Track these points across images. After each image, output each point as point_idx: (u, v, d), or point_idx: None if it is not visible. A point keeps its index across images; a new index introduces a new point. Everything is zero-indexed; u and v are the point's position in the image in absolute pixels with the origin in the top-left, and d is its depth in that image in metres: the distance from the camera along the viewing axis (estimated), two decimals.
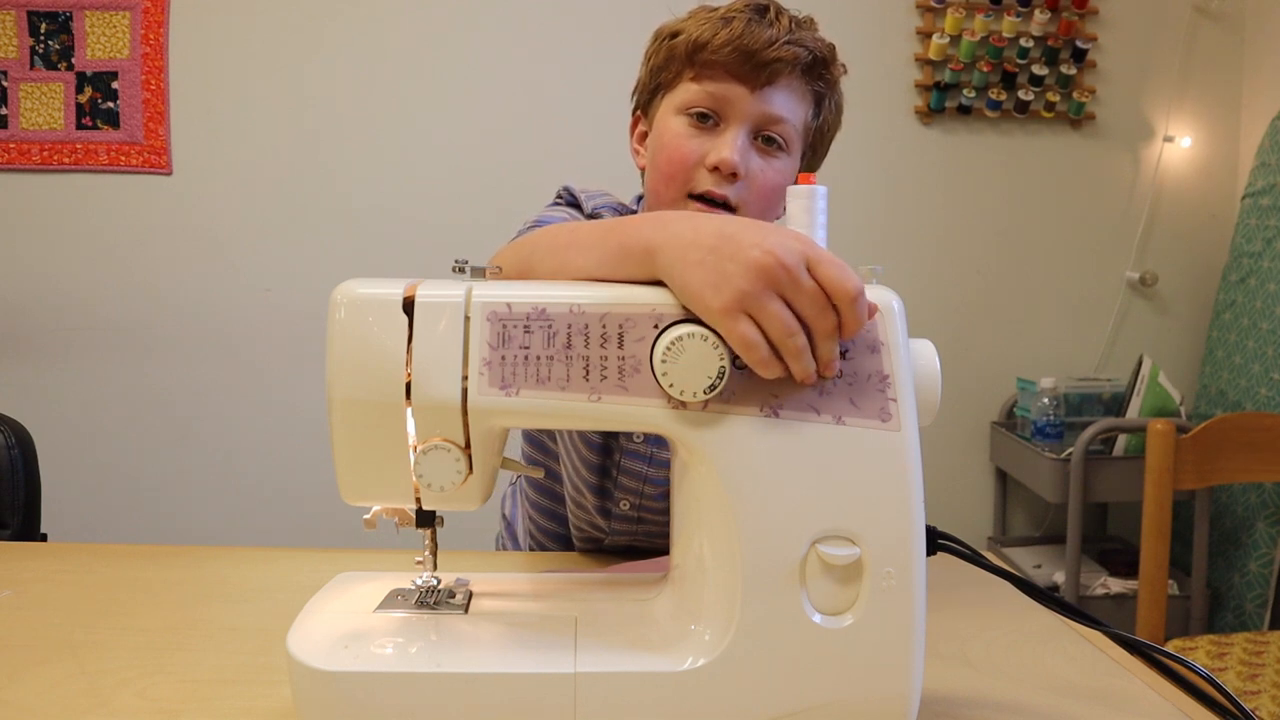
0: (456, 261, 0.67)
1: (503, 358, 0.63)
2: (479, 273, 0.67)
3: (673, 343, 0.61)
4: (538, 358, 0.63)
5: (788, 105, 0.96)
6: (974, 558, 0.69)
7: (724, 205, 0.93)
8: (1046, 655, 0.81)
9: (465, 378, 0.63)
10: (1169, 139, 2.52)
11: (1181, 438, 1.66)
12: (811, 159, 1.03)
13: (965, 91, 2.45)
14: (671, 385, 0.61)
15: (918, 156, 2.50)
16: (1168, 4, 2.50)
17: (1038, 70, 2.44)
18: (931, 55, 2.43)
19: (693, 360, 0.60)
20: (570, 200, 1.10)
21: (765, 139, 0.96)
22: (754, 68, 0.93)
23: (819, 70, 0.97)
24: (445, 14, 2.41)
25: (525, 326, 0.63)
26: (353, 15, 2.40)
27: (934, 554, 0.66)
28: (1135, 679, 0.77)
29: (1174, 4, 2.50)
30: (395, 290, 0.64)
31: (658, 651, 0.64)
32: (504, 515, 1.29)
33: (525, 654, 0.65)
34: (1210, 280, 2.52)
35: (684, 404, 0.62)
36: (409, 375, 0.63)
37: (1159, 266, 2.54)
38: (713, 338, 0.61)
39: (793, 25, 0.97)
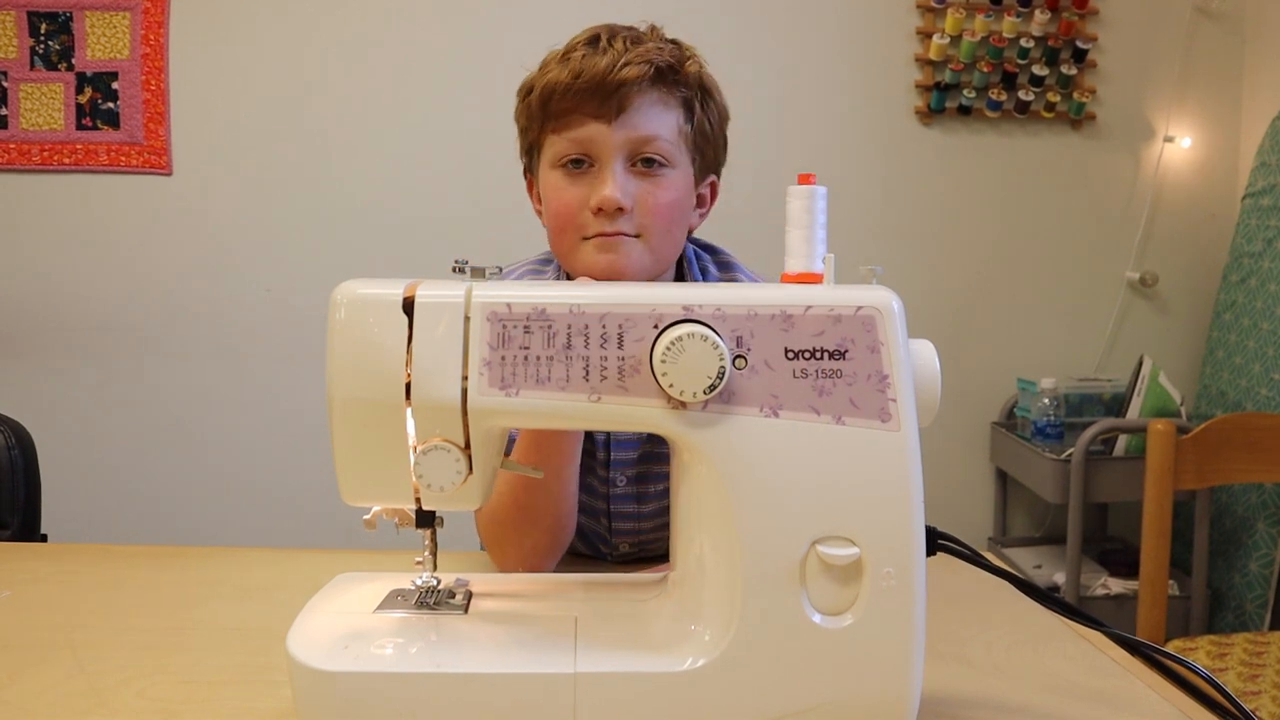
0: (456, 261, 0.67)
1: (503, 358, 0.63)
2: (479, 273, 0.67)
3: (672, 343, 0.61)
4: (538, 358, 0.63)
5: (651, 122, 0.94)
6: (974, 558, 0.69)
7: (620, 235, 0.94)
8: (1046, 655, 0.81)
9: (465, 378, 0.63)
10: (1169, 139, 2.51)
11: (1182, 438, 1.66)
12: (708, 159, 1.02)
13: (965, 92, 2.45)
14: (671, 385, 0.61)
15: (918, 157, 2.50)
16: (1168, 4, 2.50)
17: (1038, 70, 2.44)
18: (932, 55, 2.43)
19: (692, 360, 0.61)
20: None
21: (644, 161, 0.95)
22: (602, 100, 0.93)
23: (670, 78, 0.96)
24: (445, 13, 2.41)
25: (525, 327, 0.63)
26: (353, 15, 2.40)
27: (934, 554, 0.66)
28: (1135, 679, 0.77)
29: (1174, 4, 2.50)
30: (395, 290, 0.64)
31: (658, 652, 0.64)
32: None
33: (525, 654, 0.65)
34: (1211, 280, 2.52)
35: (684, 404, 0.62)
36: (409, 375, 0.63)
37: (1159, 266, 2.54)
38: (713, 337, 0.61)
39: (627, 44, 0.95)
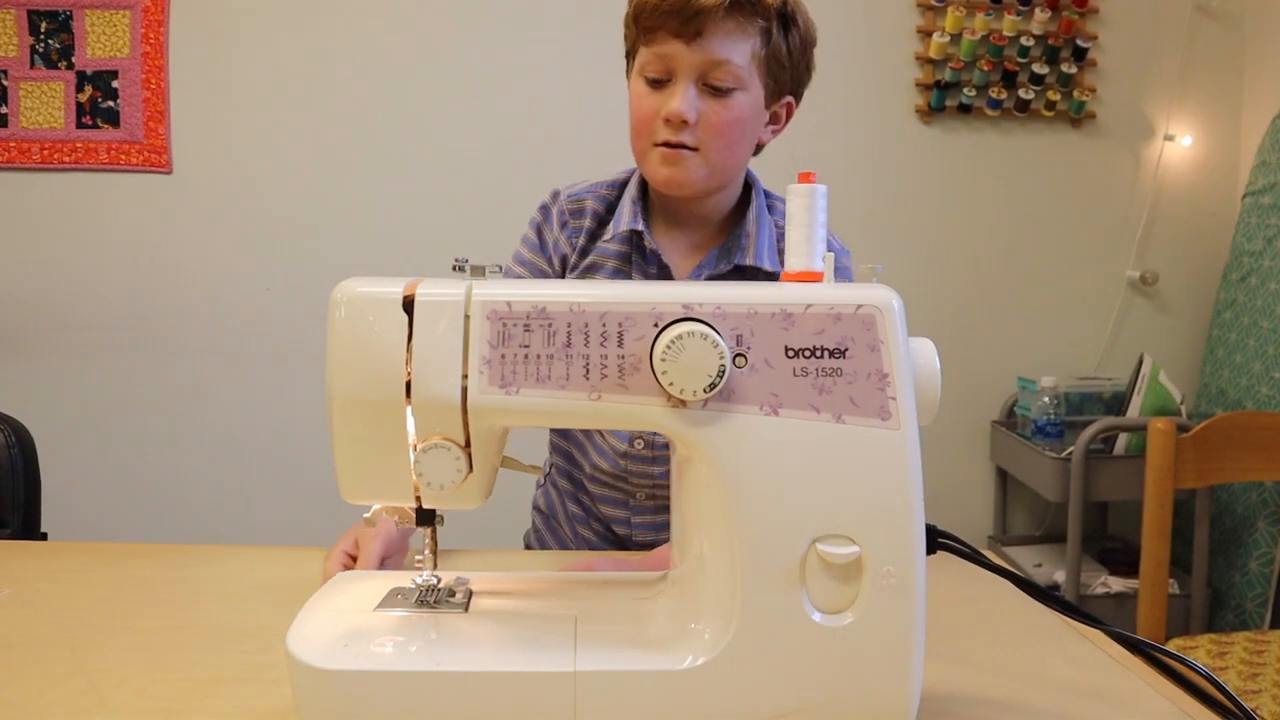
0: (456, 260, 0.67)
1: (503, 356, 0.63)
2: (479, 271, 0.67)
3: (672, 341, 0.61)
4: (538, 356, 0.63)
5: (725, 47, 1.01)
6: (974, 557, 0.69)
7: (682, 147, 1.03)
8: (1046, 655, 0.81)
9: (465, 376, 0.63)
10: (1170, 138, 2.51)
11: (1182, 437, 1.66)
12: (781, 83, 1.08)
13: (966, 90, 2.45)
14: (671, 384, 0.61)
15: (918, 155, 2.50)
16: (1168, 3, 2.50)
17: (1038, 69, 2.43)
18: (932, 54, 2.43)
19: (693, 359, 0.61)
20: (543, 210, 1.19)
21: (714, 80, 1.01)
22: (683, 22, 0.99)
23: (750, 6, 1.01)
24: (445, 13, 2.41)
25: (525, 325, 0.63)
26: (353, 14, 2.40)
27: (934, 553, 0.66)
28: (1135, 678, 0.77)
29: (1175, 3, 2.50)
30: (395, 289, 0.64)
31: (658, 650, 0.64)
32: (539, 509, 1.31)
33: (525, 653, 0.65)
34: (1211, 279, 2.52)
35: (684, 402, 0.62)
36: (409, 374, 0.63)
37: (1159, 265, 2.54)
38: (713, 336, 0.61)
39: None
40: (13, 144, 2.37)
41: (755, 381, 0.62)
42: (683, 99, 1.01)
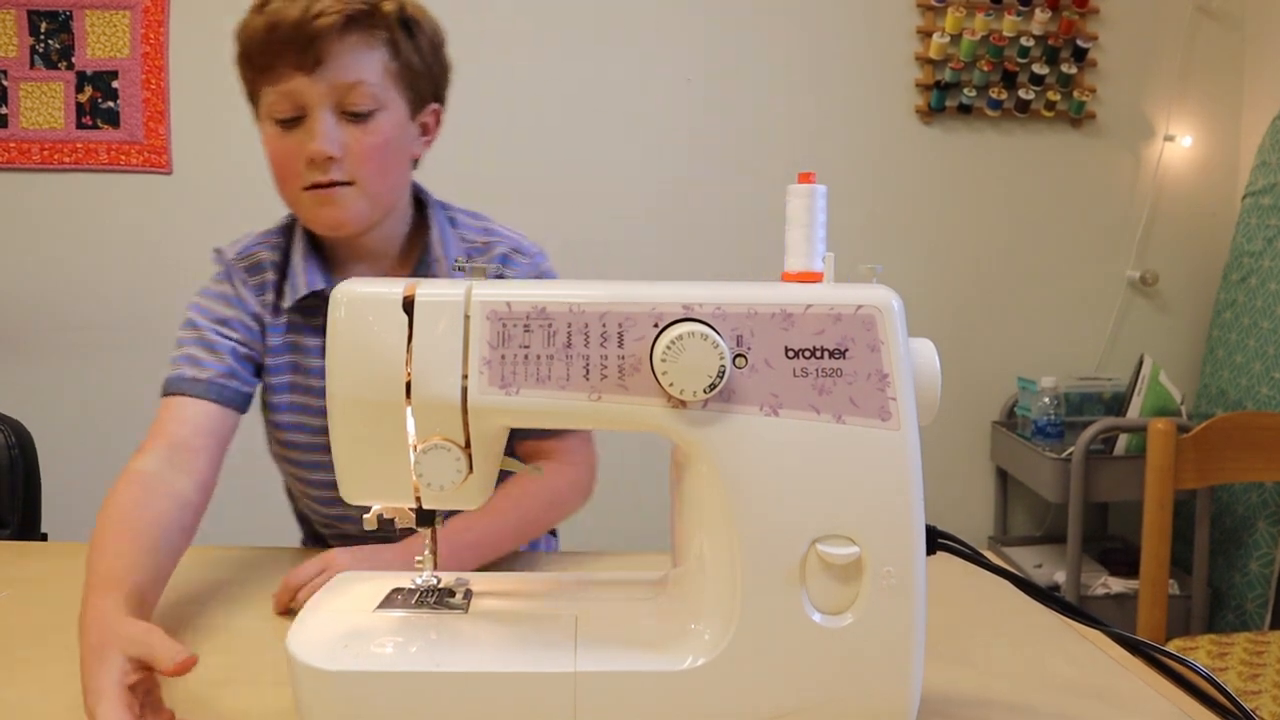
0: (456, 260, 0.67)
1: (502, 357, 0.63)
2: (479, 271, 0.67)
3: (672, 342, 0.61)
4: (538, 357, 0.63)
5: (354, 68, 0.94)
6: (974, 557, 0.69)
7: (335, 185, 0.95)
8: (1046, 655, 0.81)
9: (465, 377, 0.63)
10: (1170, 138, 2.51)
11: (1182, 437, 1.66)
12: (422, 91, 1.02)
13: (966, 90, 2.45)
14: (671, 384, 0.61)
15: (918, 156, 2.50)
16: (1169, 3, 2.50)
17: (1038, 69, 2.43)
18: (932, 54, 2.43)
19: (693, 359, 0.60)
20: (221, 264, 1.09)
21: (351, 104, 0.94)
22: (301, 51, 0.92)
23: (367, 21, 0.94)
24: (445, 13, 2.41)
25: (525, 325, 0.63)
26: None
27: (934, 553, 0.66)
28: (1135, 679, 0.77)
29: (1175, 3, 2.50)
30: (395, 289, 0.64)
31: (658, 651, 0.64)
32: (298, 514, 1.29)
33: (525, 653, 0.65)
34: (1211, 279, 2.52)
35: (684, 403, 0.62)
36: (409, 374, 0.63)
37: (1159, 266, 2.54)
38: (713, 336, 0.61)
39: None
40: (13, 144, 2.37)
41: (755, 382, 0.62)
42: (322, 135, 0.93)
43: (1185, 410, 2.25)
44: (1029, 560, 2.42)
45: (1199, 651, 1.65)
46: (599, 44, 2.43)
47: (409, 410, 0.64)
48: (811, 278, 0.69)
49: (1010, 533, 2.59)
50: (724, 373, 0.61)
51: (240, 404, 1.01)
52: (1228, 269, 2.39)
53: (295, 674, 0.63)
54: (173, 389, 1.00)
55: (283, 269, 1.04)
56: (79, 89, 2.37)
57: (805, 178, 0.71)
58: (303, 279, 1.02)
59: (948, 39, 2.41)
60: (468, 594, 0.73)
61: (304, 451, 1.09)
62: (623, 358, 0.63)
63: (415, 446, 0.65)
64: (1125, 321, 2.58)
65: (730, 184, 2.46)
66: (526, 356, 0.63)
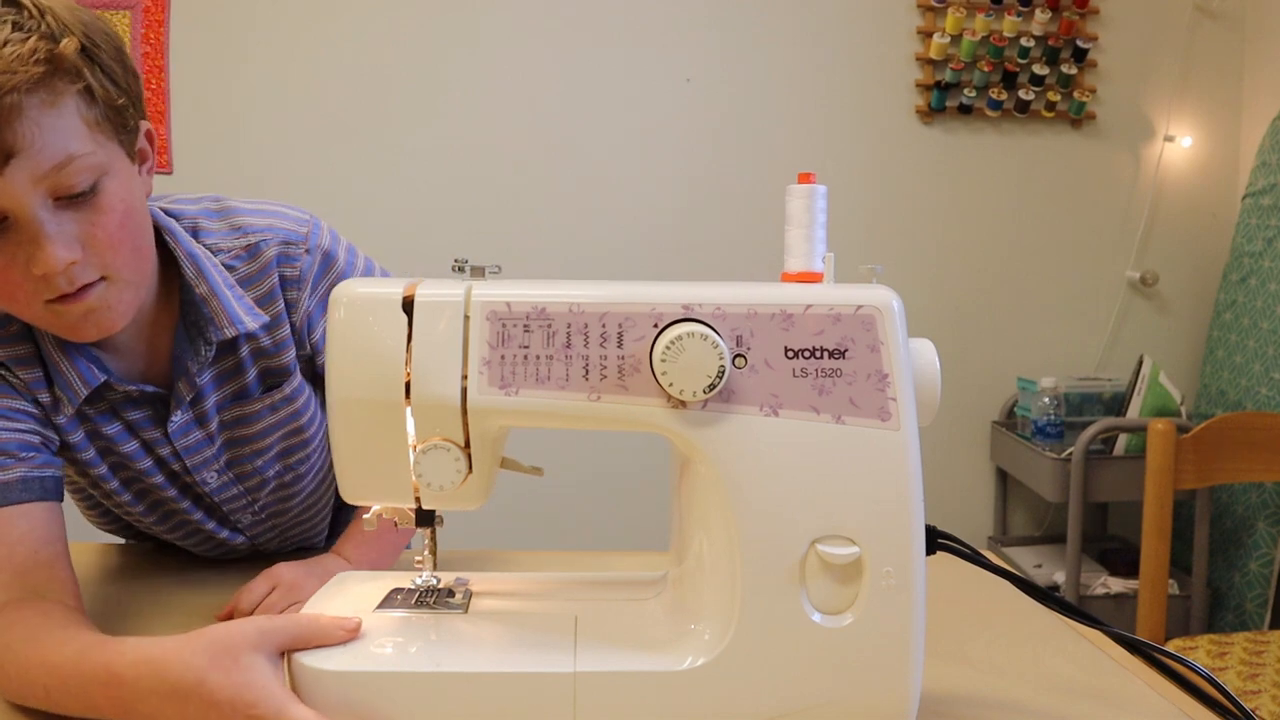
0: (456, 260, 0.67)
1: (502, 357, 0.63)
2: (478, 271, 0.67)
3: (672, 342, 0.61)
4: (537, 357, 0.63)
5: (54, 143, 0.70)
6: (974, 557, 0.69)
7: (86, 289, 0.75)
8: (1046, 655, 0.81)
9: (465, 377, 0.63)
10: (1170, 138, 2.51)
11: (1182, 437, 1.66)
12: (129, 121, 0.78)
13: (966, 91, 2.45)
14: (671, 385, 0.61)
15: (918, 156, 2.50)
16: (1169, 3, 2.50)
17: (1038, 70, 2.43)
18: (932, 54, 2.43)
19: (692, 359, 0.60)
20: None
21: (64, 188, 0.72)
22: None
23: (51, 80, 0.70)
24: (446, 13, 2.41)
25: (525, 326, 0.63)
26: (353, 14, 2.40)
27: (934, 553, 0.66)
28: (1135, 679, 0.77)
29: (1175, 3, 2.50)
30: (395, 290, 0.64)
31: (658, 651, 0.64)
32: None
33: (525, 654, 0.65)
34: (1211, 280, 2.52)
35: (684, 403, 0.62)
36: (409, 374, 0.63)
37: (1159, 266, 2.54)
38: (712, 336, 0.61)
39: None
40: None
41: (755, 382, 0.62)
42: (50, 242, 0.71)
43: (1185, 410, 2.25)
44: (1029, 560, 2.42)
45: (1199, 651, 1.65)
46: (599, 44, 2.43)
47: (408, 410, 0.64)
48: (811, 278, 0.69)
49: (1010, 533, 2.59)
50: (724, 373, 0.61)
51: (61, 492, 0.83)
52: (1228, 269, 2.39)
53: (294, 674, 0.63)
54: None
55: (35, 362, 0.83)
56: None
57: (805, 178, 0.71)
58: (74, 379, 0.82)
59: (948, 39, 2.41)
60: (467, 594, 0.73)
61: (167, 521, 1.00)
62: (622, 358, 0.63)
63: (415, 447, 0.65)
64: (1125, 321, 2.58)
65: (730, 184, 2.46)
66: (526, 357, 0.63)
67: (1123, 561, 2.32)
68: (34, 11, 0.71)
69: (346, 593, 0.74)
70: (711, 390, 0.61)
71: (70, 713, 0.67)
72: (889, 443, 0.62)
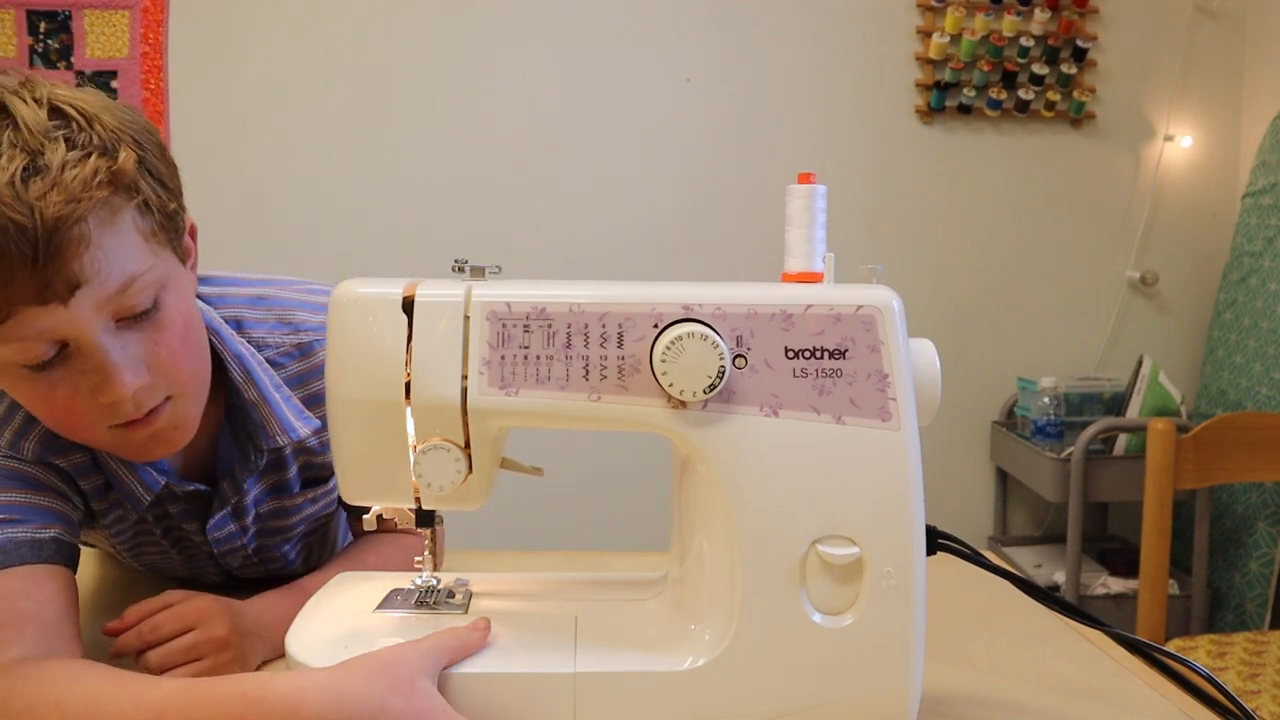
0: (456, 261, 0.67)
1: (502, 357, 0.63)
2: (478, 272, 0.67)
3: (672, 342, 0.61)
4: (537, 357, 0.63)
5: (118, 267, 0.67)
6: (974, 558, 0.69)
7: (153, 412, 0.73)
8: (1046, 655, 0.81)
9: (465, 377, 0.63)
10: (1169, 138, 2.51)
11: (1182, 437, 1.66)
12: (178, 223, 0.76)
13: (966, 90, 2.45)
14: (671, 385, 0.61)
15: (918, 156, 2.50)
16: (1169, 3, 2.50)
17: (1038, 69, 2.43)
18: (932, 54, 2.43)
19: (692, 360, 0.60)
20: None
21: (130, 314, 0.69)
22: (41, 287, 0.64)
23: (116, 193, 0.67)
24: (446, 13, 2.41)
25: (525, 326, 0.63)
26: (353, 14, 2.40)
27: (934, 554, 0.66)
28: (1135, 679, 0.77)
29: (1175, 3, 2.50)
30: (395, 290, 0.64)
31: (657, 651, 0.64)
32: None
33: (525, 654, 0.65)
34: (1211, 280, 2.52)
35: (684, 403, 0.62)
36: (408, 375, 0.63)
37: (1159, 266, 2.54)
38: (712, 337, 0.61)
39: (21, 179, 0.62)
40: None
41: (755, 382, 0.62)
42: (117, 370, 0.68)
43: (1185, 410, 2.25)
44: (1029, 560, 2.42)
45: (1198, 651, 1.65)
46: (599, 44, 2.43)
47: (408, 411, 0.64)
48: (811, 278, 0.69)
49: (1010, 533, 2.59)
50: (724, 373, 0.61)
51: (77, 564, 0.79)
52: (1228, 269, 2.39)
53: None
54: (5, 560, 0.72)
55: (92, 469, 0.81)
56: (78, 89, 2.37)
57: (805, 178, 0.71)
58: (137, 486, 0.80)
59: (948, 39, 2.41)
60: (467, 594, 0.73)
61: (153, 563, 0.97)
62: (622, 358, 0.63)
63: (415, 447, 0.64)
64: (1125, 321, 2.58)
65: (730, 184, 2.46)
66: (526, 357, 0.63)
67: (1123, 561, 2.32)
68: (82, 123, 0.67)
69: (347, 593, 0.74)
70: (712, 390, 0.61)
71: None
72: (889, 443, 0.62)
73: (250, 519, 0.90)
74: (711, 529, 0.65)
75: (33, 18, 2.35)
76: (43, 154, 0.63)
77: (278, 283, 0.92)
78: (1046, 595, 0.71)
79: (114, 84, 2.37)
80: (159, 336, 0.71)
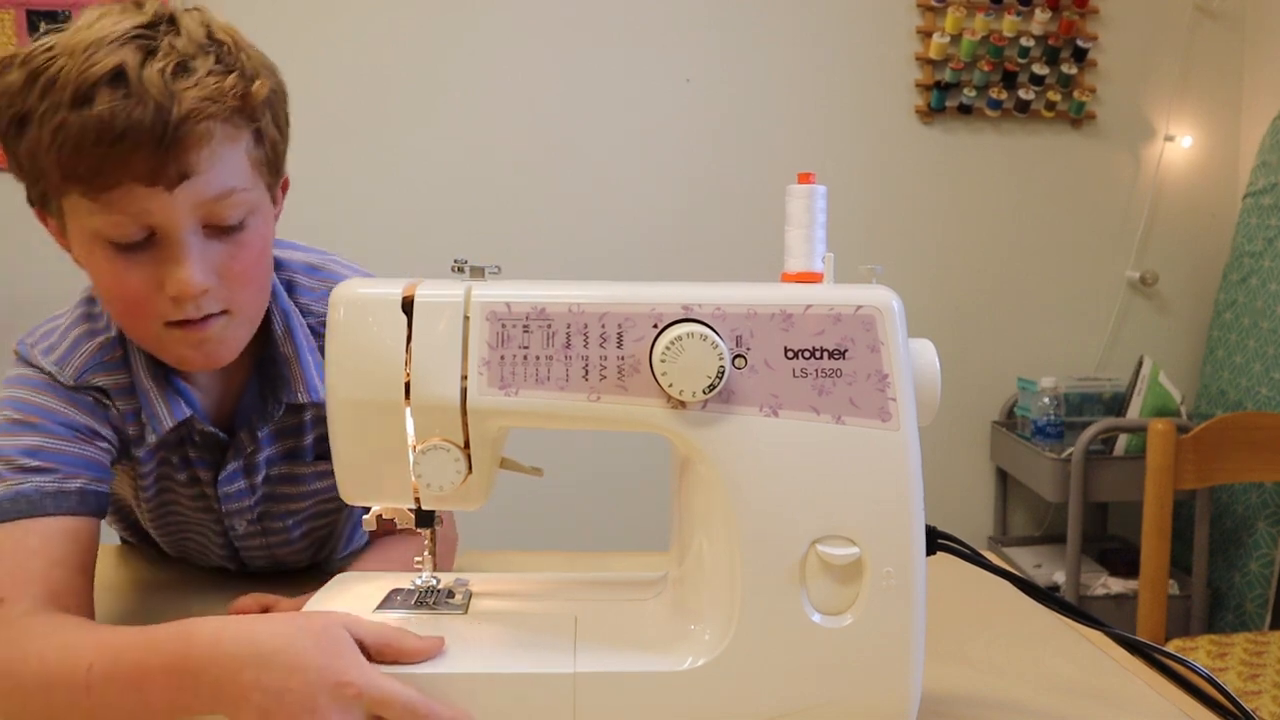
0: (456, 261, 0.67)
1: (501, 357, 0.63)
2: (478, 272, 0.67)
3: (671, 342, 0.61)
4: (537, 357, 0.63)
5: (224, 174, 0.74)
6: (974, 558, 0.69)
7: (208, 319, 0.77)
8: (1046, 655, 0.81)
9: (464, 378, 0.63)
10: (1170, 138, 2.51)
11: (1182, 437, 1.66)
12: (279, 168, 0.84)
13: (966, 91, 2.45)
14: (671, 385, 0.61)
15: (918, 156, 2.50)
16: (1169, 3, 2.50)
17: (1038, 69, 2.43)
18: (932, 54, 2.43)
19: (692, 360, 0.60)
20: (38, 373, 0.83)
21: (216, 217, 0.75)
22: (155, 166, 0.70)
23: (239, 116, 0.75)
24: (446, 13, 2.41)
25: (524, 326, 0.63)
26: (352, 14, 2.40)
27: (934, 554, 0.66)
28: (1135, 679, 0.77)
29: (1175, 3, 2.50)
30: (394, 290, 0.64)
31: (657, 651, 0.64)
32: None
33: (525, 654, 0.65)
34: (1211, 280, 2.52)
35: (683, 404, 0.62)
36: (408, 375, 0.63)
37: (1159, 266, 2.54)
38: (712, 337, 0.60)
39: (171, 76, 0.70)
40: None
41: (755, 382, 0.62)
42: (192, 265, 0.73)
43: (1185, 410, 2.25)
44: (1029, 560, 2.42)
45: (1199, 651, 1.65)
46: (599, 44, 2.43)
47: (408, 411, 0.64)
48: (811, 278, 0.69)
49: (1010, 533, 2.59)
50: (723, 373, 0.61)
51: (106, 508, 0.82)
52: (1228, 269, 2.39)
53: None
54: (30, 510, 0.75)
55: (130, 393, 0.84)
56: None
57: (805, 178, 0.71)
58: (162, 410, 0.83)
59: (948, 39, 2.41)
60: (467, 595, 0.73)
61: (174, 535, 0.99)
62: (622, 358, 0.63)
63: (414, 447, 0.64)
64: (1125, 321, 2.58)
65: (730, 184, 2.46)
66: (525, 357, 0.63)
67: (1123, 561, 2.32)
68: (233, 48, 0.75)
69: (346, 593, 0.74)
70: (711, 391, 0.61)
71: (107, 707, 0.63)
72: (889, 443, 0.62)
73: (260, 479, 0.92)
74: (711, 529, 0.65)
75: (33, 18, 2.35)
76: (194, 60, 0.72)
77: (336, 259, 0.96)
78: (1046, 595, 0.71)
79: None
80: (236, 253, 0.77)
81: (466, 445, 0.64)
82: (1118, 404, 2.35)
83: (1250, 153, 2.43)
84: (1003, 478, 2.57)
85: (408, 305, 0.64)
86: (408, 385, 0.63)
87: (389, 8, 2.40)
